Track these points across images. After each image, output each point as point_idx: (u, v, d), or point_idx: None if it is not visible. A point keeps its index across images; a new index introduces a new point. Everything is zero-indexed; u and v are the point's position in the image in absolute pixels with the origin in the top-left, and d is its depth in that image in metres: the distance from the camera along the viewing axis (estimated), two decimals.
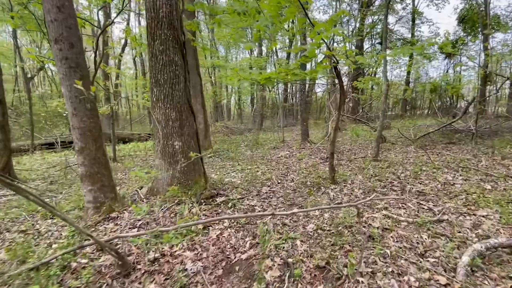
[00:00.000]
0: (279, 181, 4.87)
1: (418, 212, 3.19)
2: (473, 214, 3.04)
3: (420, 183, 4.33)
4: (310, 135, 11.59)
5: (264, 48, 19.71)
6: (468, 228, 2.74)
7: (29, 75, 12.96)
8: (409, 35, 20.53)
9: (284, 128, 19.51)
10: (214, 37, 16.85)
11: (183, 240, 2.62)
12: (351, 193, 3.98)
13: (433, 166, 5.22)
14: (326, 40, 3.18)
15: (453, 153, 6.33)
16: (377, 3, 19.35)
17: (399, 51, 6.93)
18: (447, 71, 21.97)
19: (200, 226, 2.85)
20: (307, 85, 10.56)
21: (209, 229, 2.85)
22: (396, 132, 10.23)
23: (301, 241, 2.58)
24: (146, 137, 13.18)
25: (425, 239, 2.55)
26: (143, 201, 3.54)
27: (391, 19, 22.42)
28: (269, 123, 20.38)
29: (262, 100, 18.18)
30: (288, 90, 22.58)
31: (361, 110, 14.57)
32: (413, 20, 20.58)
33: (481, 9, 14.16)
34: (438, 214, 3.06)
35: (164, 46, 3.41)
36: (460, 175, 4.62)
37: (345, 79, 20.93)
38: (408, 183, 4.33)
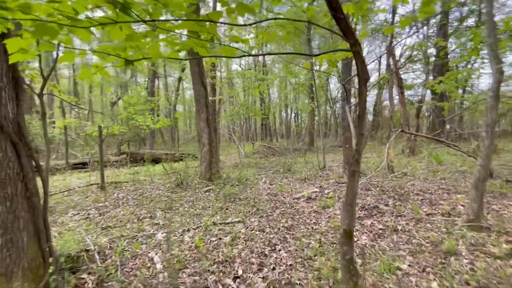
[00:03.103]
0: (239, 275, 2.35)
1: None
2: None
3: None
4: (366, 161, 8.34)
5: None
6: None
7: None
8: None
9: (339, 149, 16.10)
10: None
11: None
12: None
13: None
14: None
15: None
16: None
17: None
18: None
19: None
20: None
21: None
22: (509, 160, 6.27)
23: None
24: (179, 157, 12.19)
25: None
26: None
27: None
28: (328, 141, 17.32)
29: (310, 115, 15.46)
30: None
31: (444, 125, 10.43)
32: None
33: None
34: None
35: None
36: None
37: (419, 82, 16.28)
38: None
